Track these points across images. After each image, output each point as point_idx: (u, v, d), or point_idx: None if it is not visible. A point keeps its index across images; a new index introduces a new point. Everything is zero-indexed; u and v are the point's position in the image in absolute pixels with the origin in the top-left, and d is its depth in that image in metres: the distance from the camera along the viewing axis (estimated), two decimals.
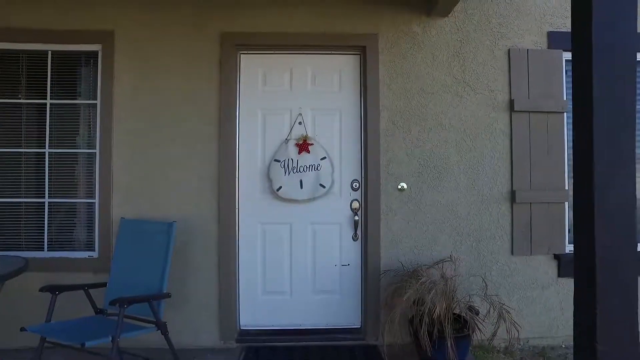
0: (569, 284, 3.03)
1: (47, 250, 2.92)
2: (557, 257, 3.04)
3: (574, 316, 1.35)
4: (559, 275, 3.03)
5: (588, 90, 1.27)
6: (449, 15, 3.01)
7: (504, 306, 2.53)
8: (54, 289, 2.28)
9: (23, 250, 2.89)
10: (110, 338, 2.01)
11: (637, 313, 1.23)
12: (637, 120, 1.46)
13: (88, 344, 1.91)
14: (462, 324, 2.55)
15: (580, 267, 1.31)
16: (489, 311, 2.59)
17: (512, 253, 3.00)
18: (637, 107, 1.37)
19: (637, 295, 1.23)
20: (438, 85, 3.00)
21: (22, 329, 2.07)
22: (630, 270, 1.22)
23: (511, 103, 3.01)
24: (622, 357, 1.18)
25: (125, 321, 2.16)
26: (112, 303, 2.04)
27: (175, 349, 2.40)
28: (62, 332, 2.09)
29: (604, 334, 1.21)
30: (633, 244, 1.25)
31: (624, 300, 1.22)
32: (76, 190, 3.02)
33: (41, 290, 2.27)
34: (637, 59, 1.30)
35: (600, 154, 1.24)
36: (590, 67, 1.26)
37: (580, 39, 1.31)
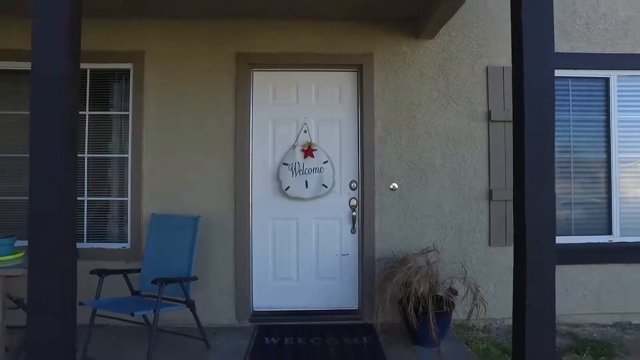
0: None
1: (87, 242, 3.37)
2: None
3: (513, 284, 1.79)
4: None
5: (520, 111, 1.72)
6: (435, 37, 3.45)
7: (478, 287, 2.97)
8: (101, 272, 2.73)
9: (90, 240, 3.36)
10: (152, 310, 2.46)
11: (554, 279, 1.67)
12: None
13: (137, 314, 2.37)
14: (443, 304, 2.99)
15: (516, 247, 1.76)
16: (466, 293, 3.03)
17: (489, 244, 3.44)
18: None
19: (554, 267, 1.68)
20: (425, 98, 3.45)
21: (81, 304, 2.51)
22: (550, 249, 1.67)
23: (489, 114, 3.46)
24: (539, 306, 1.62)
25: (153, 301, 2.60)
26: (154, 282, 2.48)
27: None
28: (112, 305, 2.54)
29: (532, 294, 1.65)
30: (552, 229, 1.70)
31: (543, 270, 1.66)
32: (110, 190, 3.46)
33: (91, 272, 2.71)
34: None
35: (529, 162, 1.69)
36: (522, 95, 1.71)
37: (516, 73, 1.76)
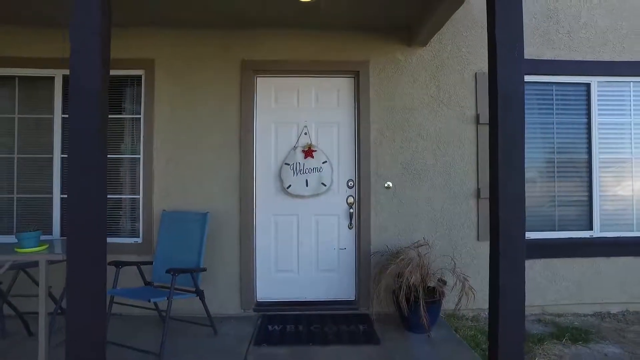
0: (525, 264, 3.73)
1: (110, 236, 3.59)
2: None
3: (489, 271, 2.03)
4: None
5: (494, 115, 1.96)
6: (427, 45, 3.69)
7: (467, 278, 3.20)
8: (118, 264, 2.96)
9: (110, 234, 3.57)
10: (166, 297, 2.69)
11: (524, 261, 1.91)
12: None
13: (152, 300, 2.61)
14: (434, 293, 3.23)
15: (491, 239, 2.00)
16: (455, 283, 3.27)
17: (478, 239, 3.68)
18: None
19: (524, 256, 1.92)
20: (417, 102, 3.69)
21: None
22: (520, 240, 1.90)
23: (477, 117, 3.70)
24: (511, 284, 1.86)
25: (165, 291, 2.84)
26: (168, 272, 2.71)
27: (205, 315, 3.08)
28: (130, 294, 2.79)
29: (504, 273, 1.89)
30: (522, 223, 1.93)
31: (515, 254, 1.90)
32: (123, 188, 3.70)
33: (109, 264, 2.92)
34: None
35: (502, 161, 1.92)
36: (496, 101, 1.94)
37: (491, 82, 2.00)
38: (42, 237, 2.86)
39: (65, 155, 3.62)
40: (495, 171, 1.94)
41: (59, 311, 2.98)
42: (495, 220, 1.94)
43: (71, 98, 1.79)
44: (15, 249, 2.62)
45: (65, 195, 3.62)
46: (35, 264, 2.55)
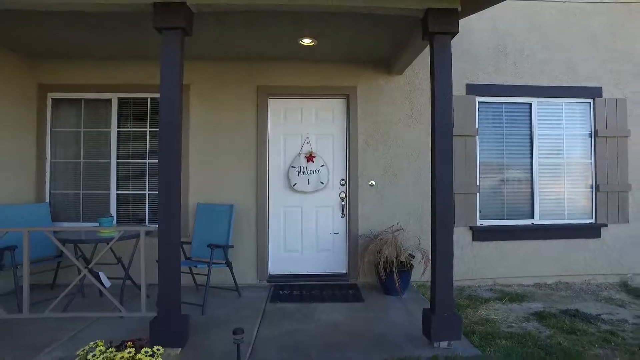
0: (478, 245, 4.78)
1: (148, 223, 4.62)
2: (471, 228, 4.76)
3: (431, 234, 3.05)
4: (473, 239, 4.76)
5: (434, 139, 2.98)
6: (403, 74, 4.71)
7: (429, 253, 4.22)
8: None
9: (143, 225, 4.60)
10: (207, 265, 3.72)
11: (452, 245, 2.94)
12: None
13: (199, 266, 3.64)
14: (405, 265, 4.25)
15: (432, 214, 3.02)
16: (422, 258, 4.28)
17: None
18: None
19: (452, 237, 2.95)
20: (395, 119, 4.71)
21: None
22: (449, 216, 2.94)
23: None
24: (443, 247, 2.89)
25: (205, 262, 3.84)
26: (208, 246, 3.73)
27: (230, 284, 4.11)
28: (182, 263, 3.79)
29: (439, 239, 2.92)
30: (451, 212, 2.97)
31: (447, 239, 2.93)
32: None
33: None
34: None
35: (438, 169, 2.95)
36: (434, 129, 2.97)
37: (432, 116, 3.02)
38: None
39: (120, 160, 4.64)
40: (434, 175, 2.97)
41: (128, 278, 3.99)
42: (434, 212, 2.97)
43: (161, 127, 2.81)
44: (98, 231, 3.63)
45: (120, 192, 4.64)
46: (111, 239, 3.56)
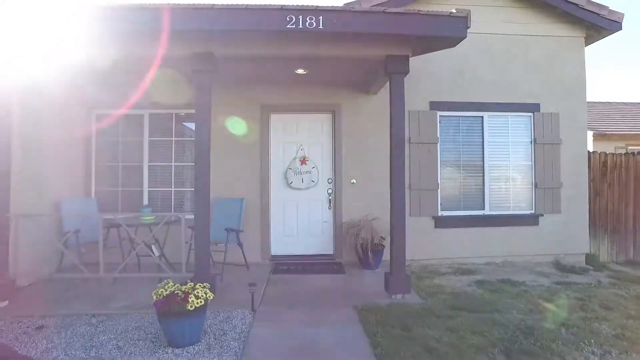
0: (440, 231, 5.93)
1: (174, 212, 5.75)
2: (434, 217, 5.92)
3: (390, 218, 4.18)
4: (435, 227, 5.91)
5: (392, 148, 4.12)
6: (378, 93, 5.85)
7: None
8: (192, 228, 5.09)
9: (175, 212, 5.73)
10: (224, 244, 4.86)
11: (405, 226, 4.09)
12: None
13: (218, 244, 4.77)
14: (378, 246, 5.39)
15: (391, 202, 4.16)
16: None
17: (410, 215, 5.84)
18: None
19: (404, 225, 4.09)
20: (372, 131, 5.85)
21: (186, 242, 4.89)
22: (402, 204, 4.09)
23: (409, 139, 5.86)
24: (399, 230, 4.04)
25: (221, 244, 4.97)
26: (226, 230, 4.87)
27: (240, 262, 5.25)
28: None
29: (393, 218, 4.07)
30: (403, 202, 4.12)
31: (400, 222, 4.08)
32: (186, 184, 5.83)
33: (189, 227, 5.08)
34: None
35: (394, 171, 4.10)
36: (392, 141, 4.11)
37: (391, 132, 4.16)
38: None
39: (151, 164, 5.78)
40: (391, 175, 4.13)
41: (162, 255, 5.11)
42: (392, 205, 4.12)
43: (196, 149, 3.96)
44: (140, 218, 4.75)
45: (150, 189, 5.78)
46: (151, 224, 4.68)
